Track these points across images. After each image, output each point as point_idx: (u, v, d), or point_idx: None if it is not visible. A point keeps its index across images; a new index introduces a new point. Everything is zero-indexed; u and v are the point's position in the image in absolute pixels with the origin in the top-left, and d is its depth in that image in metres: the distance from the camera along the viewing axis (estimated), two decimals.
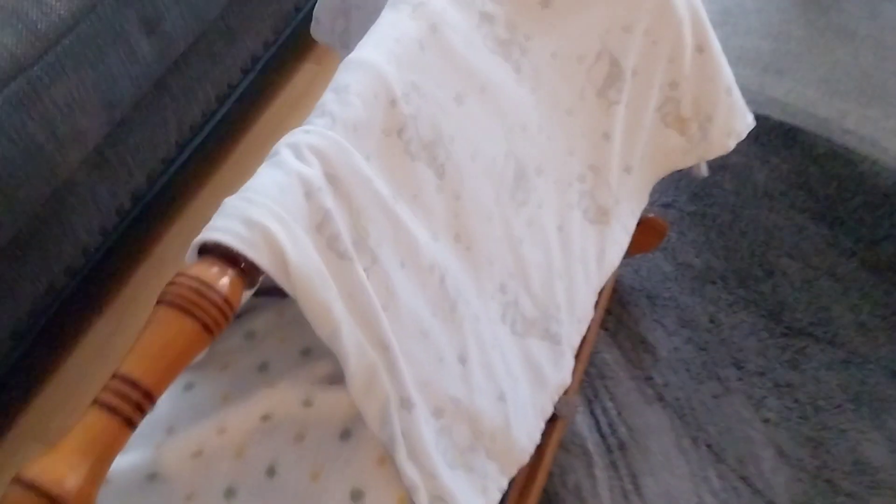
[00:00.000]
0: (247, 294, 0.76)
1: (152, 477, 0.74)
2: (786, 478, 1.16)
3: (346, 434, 0.74)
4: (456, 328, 0.72)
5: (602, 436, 1.20)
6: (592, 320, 0.96)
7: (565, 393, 0.90)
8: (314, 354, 0.79)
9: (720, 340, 1.31)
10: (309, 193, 0.59)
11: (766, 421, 1.22)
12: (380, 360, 0.64)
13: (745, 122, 1.08)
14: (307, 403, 0.76)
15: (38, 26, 1.02)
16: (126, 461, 0.73)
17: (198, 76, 1.37)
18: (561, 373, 0.85)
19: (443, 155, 0.73)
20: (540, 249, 0.86)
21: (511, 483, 0.85)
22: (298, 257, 0.57)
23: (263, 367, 0.80)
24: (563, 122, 0.93)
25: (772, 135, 1.60)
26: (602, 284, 0.96)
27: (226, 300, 0.56)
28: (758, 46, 1.80)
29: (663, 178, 1.47)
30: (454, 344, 0.72)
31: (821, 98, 1.68)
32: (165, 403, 0.78)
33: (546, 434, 0.87)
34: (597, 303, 0.97)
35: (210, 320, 0.55)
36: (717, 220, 1.46)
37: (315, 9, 1.07)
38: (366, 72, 0.66)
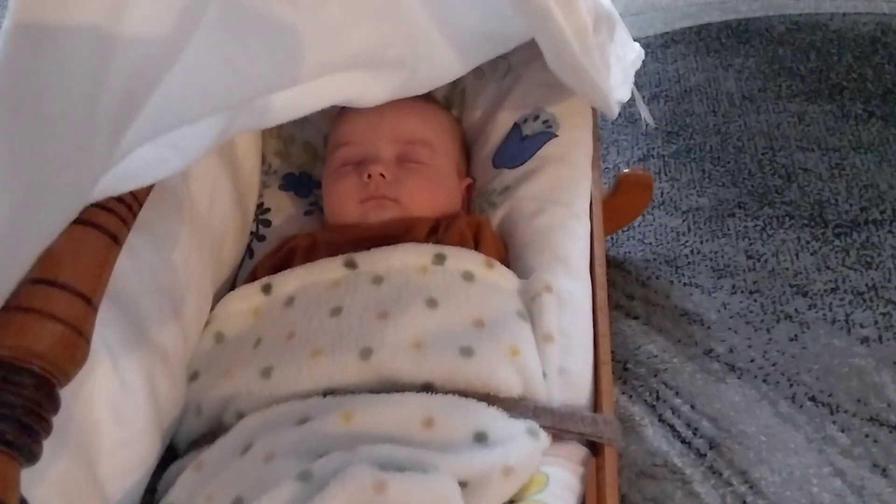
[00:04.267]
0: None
1: None
2: None
3: None
4: None
5: (685, 442, 0.95)
6: (596, 308, 0.74)
7: (599, 411, 0.67)
8: (246, 501, 0.57)
9: (769, 274, 1.07)
10: None
11: (865, 340, 0.97)
12: None
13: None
14: None
15: None
16: None
17: None
18: None
19: None
20: None
21: None
22: None
23: None
24: None
25: (722, 39, 1.39)
26: None
27: None
28: None
29: (628, 131, 1.28)
30: None
31: None
32: None
33: (597, 476, 0.64)
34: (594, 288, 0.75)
35: None
36: (705, 149, 1.24)
37: None
38: None
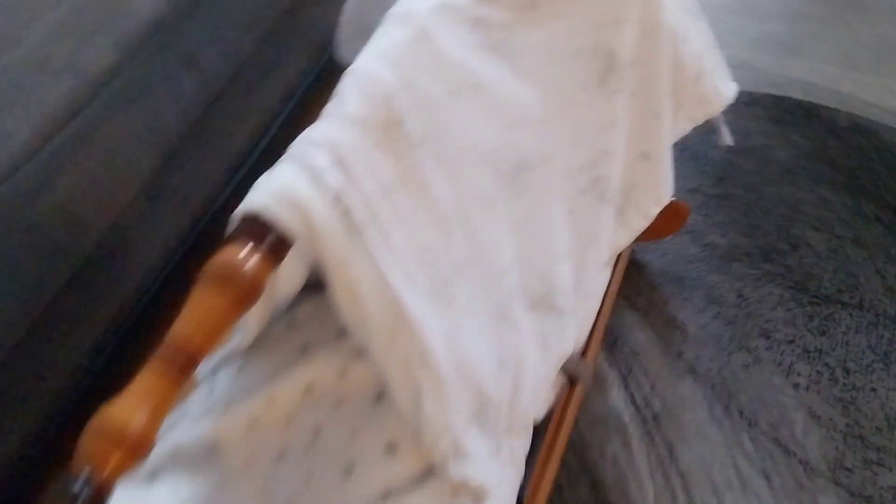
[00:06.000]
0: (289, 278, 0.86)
1: (213, 449, 0.84)
2: (818, 438, 1.20)
3: (379, 397, 0.83)
4: (446, 303, 0.80)
5: (637, 408, 1.25)
6: (608, 293, 1.04)
7: (583, 358, 0.97)
8: (348, 334, 0.89)
9: (747, 314, 1.36)
10: (317, 176, 0.69)
11: (797, 386, 1.26)
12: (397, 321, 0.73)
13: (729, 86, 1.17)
14: (342, 374, 0.85)
15: (89, 71, 1.15)
16: (190, 436, 0.84)
17: (239, 109, 1.49)
18: (563, 343, 0.92)
19: (440, 143, 0.82)
20: (544, 232, 0.94)
21: (537, 449, 0.92)
22: (323, 223, 0.67)
23: (304, 349, 0.90)
24: (566, 113, 1.01)
25: (793, 114, 1.64)
26: (610, 261, 1.03)
27: (253, 279, 0.65)
28: (776, 30, 1.85)
29: (688, 164, 1.54)
30: (447, 316, 0.80)
31: (841, 74, 1.72)
32: (222, 385, 0.89)
33: (566, 399, 0.94)
34: (611, 279, 1.04)
35: (241, 296, 0.64)
36: (740, 200, 1.51)
37: (336, 33, 1.18)
38: (359, 76, 0.76)
